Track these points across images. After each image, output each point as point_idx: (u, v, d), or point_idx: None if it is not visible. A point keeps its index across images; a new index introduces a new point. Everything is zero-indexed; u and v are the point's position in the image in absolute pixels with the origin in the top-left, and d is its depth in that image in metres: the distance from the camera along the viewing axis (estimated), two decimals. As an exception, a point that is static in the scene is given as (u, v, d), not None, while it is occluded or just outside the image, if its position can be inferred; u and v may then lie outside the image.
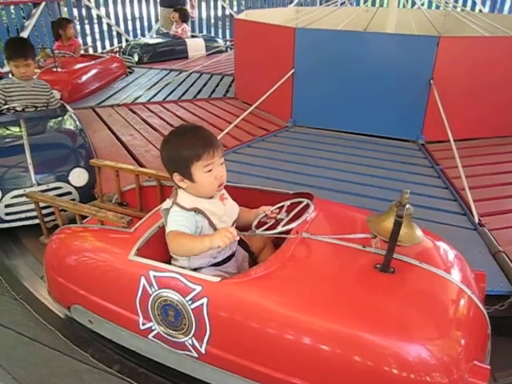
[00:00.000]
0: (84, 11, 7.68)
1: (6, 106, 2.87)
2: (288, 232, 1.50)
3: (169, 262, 1.58)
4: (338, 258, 1.42)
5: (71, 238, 1.79)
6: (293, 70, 3.55)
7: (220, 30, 9.18)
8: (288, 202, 1.67)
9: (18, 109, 2.90)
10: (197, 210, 1.51)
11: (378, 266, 1.32)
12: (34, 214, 2.32)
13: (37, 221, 2.31)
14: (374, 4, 8.38)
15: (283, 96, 3.64)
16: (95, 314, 1.68)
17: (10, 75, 3.08)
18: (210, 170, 1.50)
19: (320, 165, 2.96)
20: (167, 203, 1.57)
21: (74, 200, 2.52)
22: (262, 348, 1.30)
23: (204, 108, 4.12)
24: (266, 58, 3.89)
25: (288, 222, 1.53)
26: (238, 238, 1.42)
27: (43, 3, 7.00)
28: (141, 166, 2.94)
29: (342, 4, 5.11)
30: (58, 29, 5.10)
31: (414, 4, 6.07)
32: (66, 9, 7.33)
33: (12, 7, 6.70)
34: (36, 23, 6.91)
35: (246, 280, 1.35)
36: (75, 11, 7.35)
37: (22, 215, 2.44)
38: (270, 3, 9.24)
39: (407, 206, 1.26)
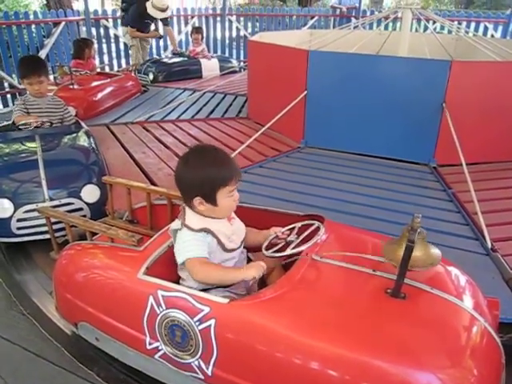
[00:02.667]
0: (102, 30, 7.86)
1: (22, 122, 2.92)
2: (298, 254, 1.49)
3: (177, 282, 1.58)
4: (348, 282, 1.40)
5: (81, 254, 1.80)
6: (305, 92, 3.58)
7: (234, 51, 9.32)
8: (299, 224, 1.66)
9: (33, 125, 2.94)
10: (206, 230, 1.51)
11: (388, 290, 1.30)
12: (45, 229, 2.32)
13: (48, 236, 2.31)
14: (386, 28, 8.48)
15: (295, 117, 3.66)
16: (102, 332, 1.67)
17: (28, 93, 3.13)
18: (232, 195, 1.51)
19: (331, 186, 2.95)
20: (176, 224, 1.56)
21: (85, 216, 2.52)
22: (270, 372, 1.27)
23: (217, 127, 4.15)
24: (278, 80, 3.92)
25: (298, 244, 1.52)
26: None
27: (63, 23, 7.19)
28: (152, 183, 2.96)
29: (355, 27, 5.16)
30: (85, 47, 5.21)
31: (426, 28, 6.10)
32: (84, 28, 7.51)
33: (33, 26, 6.89)
34: (55, 42, 7.09)
35: (255, 302, 1.34)
36: (93, 30, 7.50)
37: (34, 230, 2.46)
38: (285, 26, 9.37)
39: (419, 229, 1.25)
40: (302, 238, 1.57)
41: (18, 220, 2.44)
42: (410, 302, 1.29)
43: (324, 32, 6.31)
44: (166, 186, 2.89)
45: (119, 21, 8.02)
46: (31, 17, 6.97)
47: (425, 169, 3.31)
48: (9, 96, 6.80)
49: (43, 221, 2.24)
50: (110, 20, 7.99)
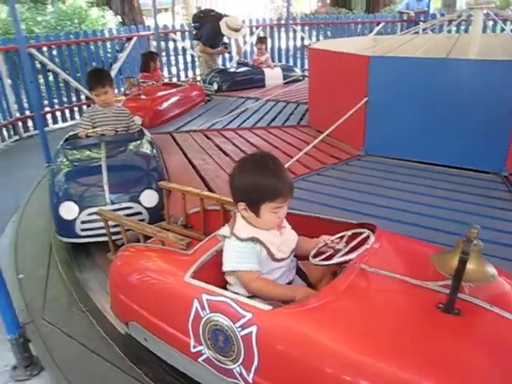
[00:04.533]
0: (171, 44, 8.19)
1: (91, 131, 3.09)
2: (346, 263, 1.44)
3: (224, 286, 1.57)
4: (397, 294, 1.32)
5: (134, 256, 1.85)
6: (366, 99, 3.48)
7: (298, 60, 9.32)
8: (349, 232, 1.60)
9: (100, 133, 3.09)
10: (254, 240, 1.50)
11: (440, 305, 1.22)
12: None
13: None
14: (458, 31, 8.10)
15: (356, 124, 3.57)
16: (150, 333, 1.70)
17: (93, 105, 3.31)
18: (277, 212, 1.49)
19: (391, 195, 2.84)
20: (225, 230, 1.57)
21: (143, 220, 2.61)
22: (310, 382, 1.23)
23: (277, 135, 4.15)
24: (339, 86, 3.86)
25: (347, 253, 1.47)
26: None
27: (135, 38, 7.58)
28: (210, 190, 3.01)
29: (423, 30, 4.97)
30: (150, 60, 5.45)
31: (502, 30, 5.76)
32: (154, 42, 7.85)
33: (109, 42, 7.33)
34: (127, 55, 7.49)
35: (298, 310, 1.30)
36: (162, 43, 7.83)
37: (96, 232, 2.56)
38: (350, 34, 9.23)
39: (475, 241, 1.16)
40: (350, 246, 1.51)
41: (82, 222, 2.56)
42: (464, 319, 1.19)
43: (388, 38, 6.13)
44: (224, 193, 2.95)
45: (187, 34, 8.35)
46: (106, 34, 7.42)
47: (495, 178, 3.10)
48: (85, 107, 7.24)
49: (105, 223, 2.34)
50: (178, 34, 8.31)
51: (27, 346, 1.97)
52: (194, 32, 7.13)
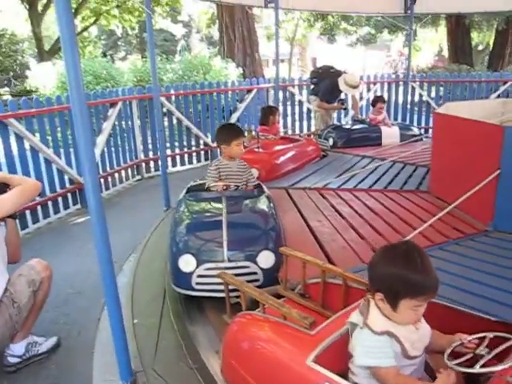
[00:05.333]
0: (287, 94, 8.45)
1: (214, 184, 3.19)
2: (489, 374, 1.27)
3: (343, 373, 1.48)
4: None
5: (252, 325, 1.83)
6: (499, 171, 3.21)
7: (415, 116, 9.06)
8: (490, 335, 1.42)
9: (223, 187, 3.19)
10: (389, 334, 1.39)
11: None
12: (220, 287, 2.41)
13: (222, 294, 2.40)
14: None
15: (484, 196, 3.28)
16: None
17: (220, 157, 3.43)
18: (416, 310, 1.38)
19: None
20: (357, 318, 1.47)
21: (257, 280, 2.59)
22: None
23: (395, 200, 3.97)
24: (466, 155, 3.61)
25: (490, 361, 1.30)
26: None
27: (255, 90, 7.94)
28: (325, 254, 2.93)
29: None
30: (269, 114, 5.63)
31: None
32: (272, 91, 8.13)
33: (230, 92, 7.76)
34: (246, 106, 7.85)
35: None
36: (280, 94, 8.10)
37: (211, 287, 2.57)
38: (472, 91, 8.79)
39: None
40: (495, 352, 1.34)
41: (199, 276, 2.59)
42: None
43: (519, 101, 5.72)
44: (340, 258, 2.86)
45: (304, 87, 8.56)
46: (229, 85, 7.87)
47: None
48: (202, 153, 7.66)
49: (220, 280, 2.34)
50: (296, 87, 8.55)
51: (136, 394, 2.00)
52: (312, 87, 7.27)
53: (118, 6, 17.55)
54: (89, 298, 3.27)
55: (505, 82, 8.70)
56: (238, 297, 2.28)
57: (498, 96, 8.43)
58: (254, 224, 2.88)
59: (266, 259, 2.61)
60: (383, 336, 1.40)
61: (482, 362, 1.31)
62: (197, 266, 2.59)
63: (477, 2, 7.99)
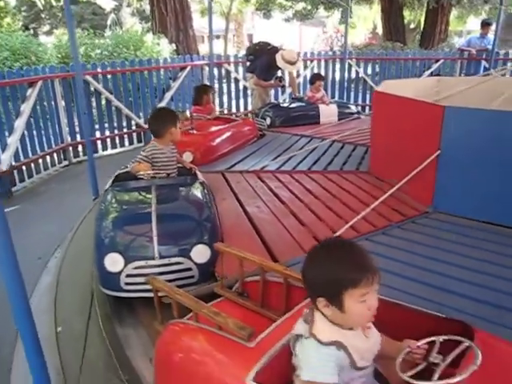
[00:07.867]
0: (223, 72, 8.15)
1: (140, 173, 2.91)
2: (448, 383, 1.15)
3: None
4: None
5: (183, 334, 1.64)
6: (438, 152, 3.16)
7: (352, 94, 9.09)
8: (440, 339, 1.31)
9: (151, 176, 2.91)
10: (338, 345, 1.23)
11: None
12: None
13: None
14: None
15: (424, 178, 3.24)
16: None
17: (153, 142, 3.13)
18: (364, 300, 1.22)
19: (469, 267, 2.47)
20: (302, 328, 1.30)
21: (192, 277, 2.40)
22: None
23: (335, 182, 3.85)
24: (406, 135, 3.55)
25: (446, 369, 1.20)
26: None
27: (189, 67, 7.57)
28: (263, 242, 2.77)
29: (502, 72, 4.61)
30: (203, 93, 5.33)
31: None
32: (207, 68, 7.79)
33: (162, 70, 7.35)
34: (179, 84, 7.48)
35: None
36: (215, 72, 7.78)
37: (141, 287, 2.33)
38: (406, 69, 8.94)
39: None
40: (449, 360, 1.23)
41: (127, 275, 2.36)
42: None
43: (454, 80, 5.81)
44: (279, 248, 2.70)
45: (240, 64, 8.31)
46: (161, 62, 7.44)
47: None
48: (135, 134, 7.23)
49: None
50: (232, 64, 8.27)
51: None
52: (248, 64, 7.02)
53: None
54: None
55: (437, 60, 8.92)
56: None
57: (431, 74, 8.63)
58: (187, 215, 2.66)
59: (201, 254, 2.41)
60: (330, 348, 1.24)
61: (438, 371, 1.20)
62: (125, 265, 2.36)
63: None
